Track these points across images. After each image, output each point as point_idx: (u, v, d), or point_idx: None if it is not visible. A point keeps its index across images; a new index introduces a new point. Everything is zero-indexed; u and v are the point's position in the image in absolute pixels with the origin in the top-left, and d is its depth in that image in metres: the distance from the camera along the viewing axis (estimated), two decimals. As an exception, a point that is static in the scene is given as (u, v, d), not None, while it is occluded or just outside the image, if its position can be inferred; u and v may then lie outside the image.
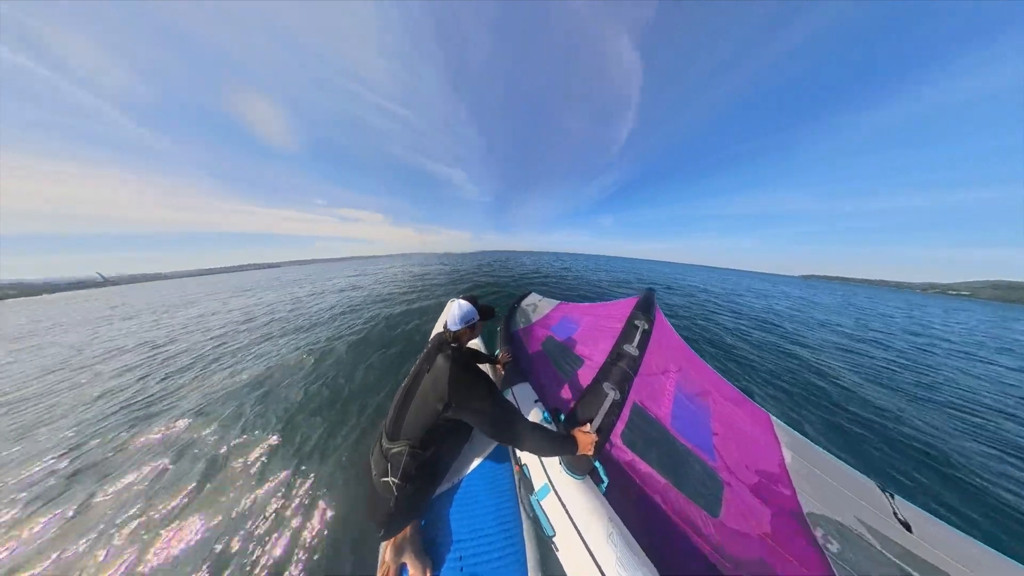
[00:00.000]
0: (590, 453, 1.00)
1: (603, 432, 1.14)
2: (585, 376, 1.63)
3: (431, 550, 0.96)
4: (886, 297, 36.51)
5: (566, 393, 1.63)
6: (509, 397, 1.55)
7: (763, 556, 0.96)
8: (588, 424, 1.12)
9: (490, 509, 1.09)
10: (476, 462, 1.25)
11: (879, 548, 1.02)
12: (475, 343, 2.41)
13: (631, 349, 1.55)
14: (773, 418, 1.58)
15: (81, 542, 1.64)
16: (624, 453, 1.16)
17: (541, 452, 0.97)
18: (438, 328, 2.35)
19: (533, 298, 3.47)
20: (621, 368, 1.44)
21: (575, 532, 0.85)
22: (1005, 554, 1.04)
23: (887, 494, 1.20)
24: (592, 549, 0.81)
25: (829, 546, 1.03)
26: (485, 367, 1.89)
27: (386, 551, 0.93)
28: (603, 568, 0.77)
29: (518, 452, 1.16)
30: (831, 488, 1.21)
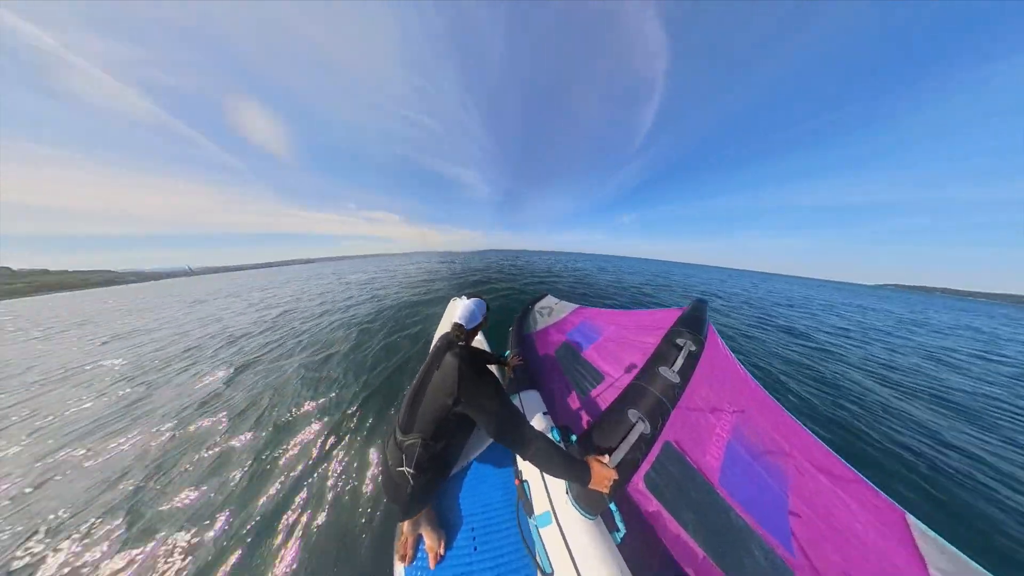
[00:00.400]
0: (605, 491, 0.85)
1: (624, 470, 0.92)
2: (604, 396, 1.45)
3: (445, 523, 1.04)
4: (995, 312, 27.01)
5: (579, 411, 1.47)
6: (516, 403, 1.44)
7: None
8: (607, 456, 0.92)
9: (498, 486, 1.15)
10: (486, 443, 1.29)
11: None
12: (480, 343, 2.35)
13: (669, 374, 1.21)
14: (912, 519, 1.01)
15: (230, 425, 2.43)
16: (648, 502, 0.96)
17: (546, 467, 0.85)
18: (443, 328, 2.40)
19: (549, 300, 3.24)
20: (654, 395, 1.15)
21: (575, 572, 0.75)
22: None
23: None
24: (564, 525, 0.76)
25: None
26: (492, 368, 1.85)
27: (404, 525, 1.01)
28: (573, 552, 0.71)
29: (519, 463, 1.11)
30: None
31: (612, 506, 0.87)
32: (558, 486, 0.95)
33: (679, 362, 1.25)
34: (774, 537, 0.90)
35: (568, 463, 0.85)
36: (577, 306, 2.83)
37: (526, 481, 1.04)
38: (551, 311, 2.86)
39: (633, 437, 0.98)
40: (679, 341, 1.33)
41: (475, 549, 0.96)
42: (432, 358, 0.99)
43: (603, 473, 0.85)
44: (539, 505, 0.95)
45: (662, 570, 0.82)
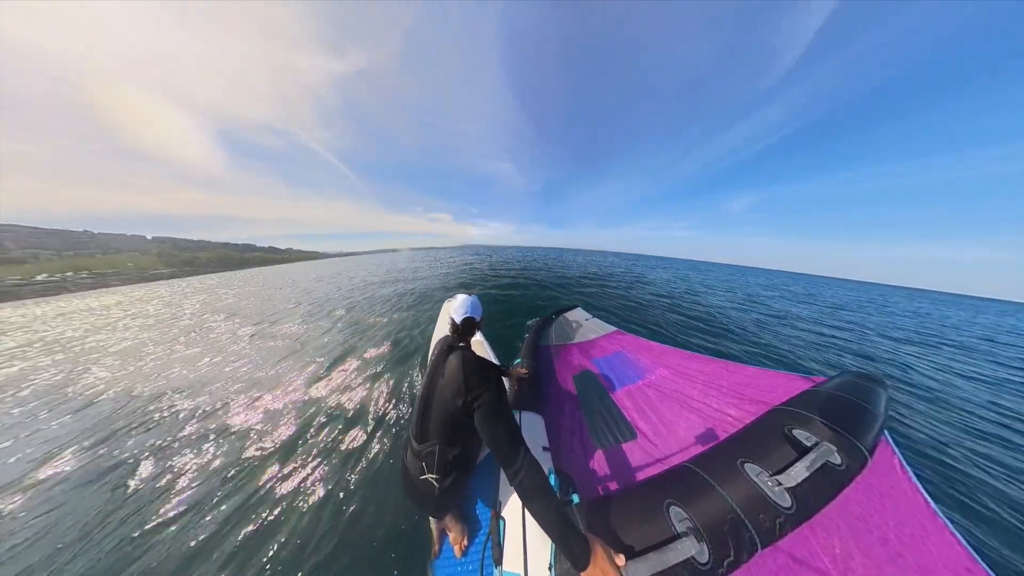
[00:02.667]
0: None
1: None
2: (634, 463, 1.08)
3: (467, 515, 1.01)
4: None
5: (588, 466, 1.12)
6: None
7: None
8: (622, 556, 0.63)
9: None
10: None
11: None
12: (480, 343, 2.03)
13: (771, 487, 0.74)
14: None
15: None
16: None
17: (532, 505, 0.65)
18: (440, 330, 2.22)
19: (578, 314, 2.77)
20: (728, 506, 0.73)
21: None
22: None
23: None
24: None
25: None
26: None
27: (433, 522, 1.03)
28: None
29: (502, 490, 0.92)
30: None
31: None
32: (539, 549, 0.73)
33: (797, 471, 0.74)
34: None
35: (564, 524, 0.62)
36: (615, 329, 2.33)
37: (503, 519, 0.84)
38: (579, 326, 2.44)
39: (672, 557, 0.65)
40: (799, 434, 0.83)
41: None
42: (435, 363, 0.91)
43: (606, 570, 0.59)
44: (510, 560, 0.74)
45: None
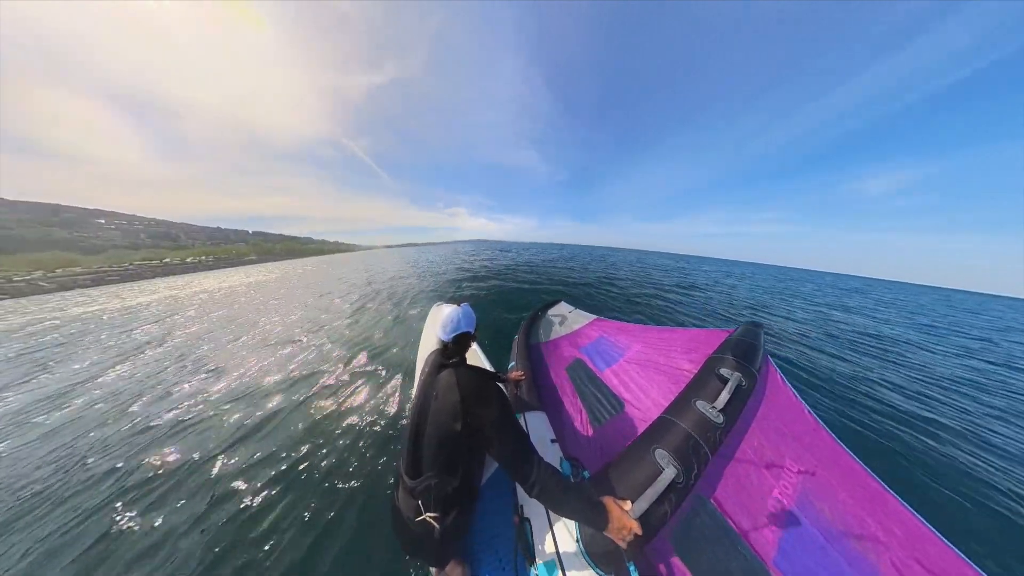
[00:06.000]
0: (623, 544, 0.70)
1: (649, 524, 0.79)
2: (624, 429, 1.26)
3: (470, 555, 0.92)
4: None
5: (592, 443, 1.30)
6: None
7: None
8: (628, 503, 0.77)
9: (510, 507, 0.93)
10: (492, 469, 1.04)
11: None
12: (475, 354, 1.93)
13: (709, 411, 1.03)
14: None
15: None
16: (668, 552, 0.82)
17: (554, 504, 0.72)
18: (425, 341, 2.04)
19: (562, 307, 2.91)
20: (688, 434, 0.98)
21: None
22: None
23: None
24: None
25: None
26: None
27: (434, 572, 0.90)
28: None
29: (519, 496, 0.93)
30: None
31: (631, 566, 0.71)
32: (566, 533, 0.81)
33: (723, 397, 1.05)
34: None
35: (582, 501, 0.71)
36: (595, 317, 2.50)
37: (527, 520, 0.87)
38: (564, 320, 2.59)
39: (661, 485, 0.83)
40: (723, 371, 1.15)
41: (503, 569, 0.84)
42: (425, 384, 0.82)
43: (623, 521, 0.70)
44: (541, 551, 0.80)
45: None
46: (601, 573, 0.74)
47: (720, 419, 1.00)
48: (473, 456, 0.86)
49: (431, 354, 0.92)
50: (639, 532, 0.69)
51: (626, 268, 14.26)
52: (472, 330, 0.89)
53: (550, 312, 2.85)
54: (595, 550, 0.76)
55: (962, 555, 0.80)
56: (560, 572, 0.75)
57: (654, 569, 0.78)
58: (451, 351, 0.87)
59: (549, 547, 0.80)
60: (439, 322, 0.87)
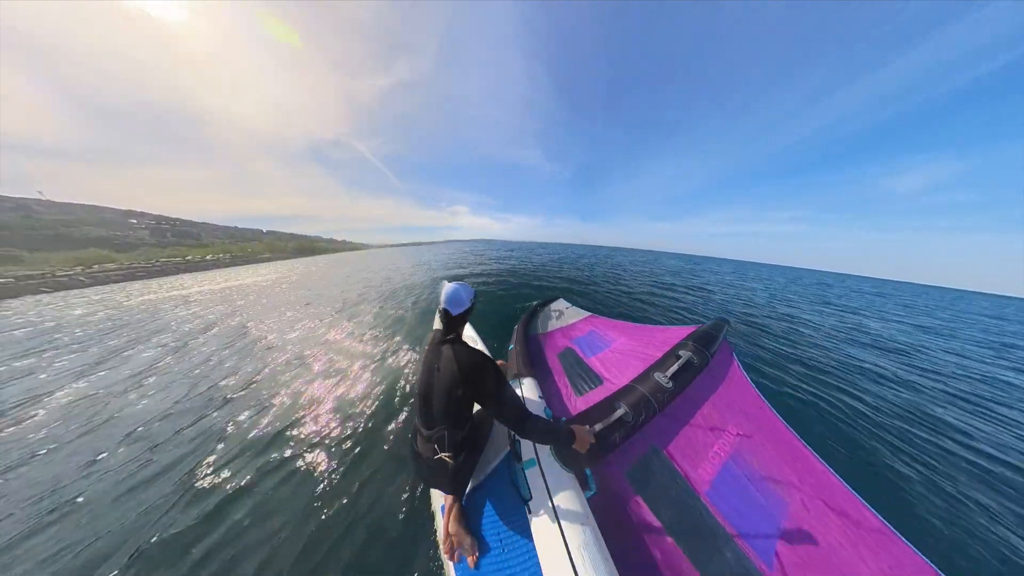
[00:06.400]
0: (583, 450, 1.00)
1: (601, 440, 1.10)
2: (602, 397, 1.45)
3: (475, 529, 1.04)
4: None
5: (572, 406, 1.55)
6: (515, 388, 1.52)
7: None
8: (588, 426, 1.08)
9: (509, 495, 1.08)
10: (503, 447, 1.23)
11: None
12: (473, 339, 2.22)
13: (661, 378, 1.37)
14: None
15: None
16: (626, 490, 1.06)
17: (540, 438, 0.98)
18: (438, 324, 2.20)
19: (560, 304, 3.22)
20: (641, 393, 1.30)
21: (549, 501, 0.90)
22: None
23: None
24: (562, 521, 0.84)
25: None
26: None
27: (447, 527, 1.04)
28: (568, 542, 0.77)
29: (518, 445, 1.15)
30: None
31: (588, 472, 1.00)
32: (545, 446, 1.08)
33: (673, 368, 1.39)
34: (753, 549, 0.90)
35: (556, 433, 0.97)
36: (589, 314, 2.80)
37: (518, 441, 1.14)
38: (561, 315, 2.89)
39: (612, 419, 1.14)
40: (681, 352, 1.51)
41: (503, 549, 0.94)
42: (429, 357, 1.01)
43: (584, 437, 0.99)
44: (526, 454, 1.08)
45: (628, 537, 0.90)
46: (567, 469, 1.00)
47: (669, 384, 1.31)
48: (478, 415, 1.08)
49: (433, 332, 1.11)
50: (594, 442, 1.00)
51: (633, 269, 14.32)
52: (463, 308, 1.02)
53: (548, 307, 3.12)
54: (562, 456, 1.03)
55: (859, 496, 1.04)
56: (538, 466, 1.01)
57: (609, 488, 1.02)
58: (450, 327, 1.01)
59: (530, 452, 1.08)
60: (444, 296, 1.00)
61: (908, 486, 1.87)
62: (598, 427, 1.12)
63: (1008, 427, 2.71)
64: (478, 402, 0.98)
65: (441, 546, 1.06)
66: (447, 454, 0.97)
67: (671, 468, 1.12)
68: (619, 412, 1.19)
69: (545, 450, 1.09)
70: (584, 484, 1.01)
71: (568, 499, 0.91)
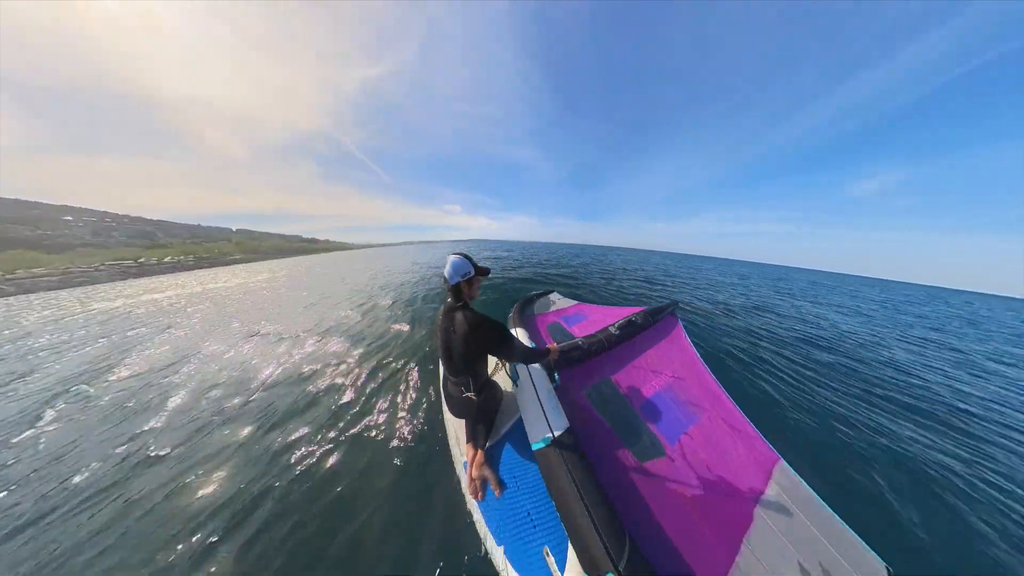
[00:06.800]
0: (553, 357, 1.60)
1: (563, 354, 1.75)
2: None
3: (495, 467, 1.36)
4: None
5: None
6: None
7: (659, 508, 1.06)
8: (556, 345, 1.70)
9: (523, 448, 1.39)
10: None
11: None
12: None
13: (612, 328, 2.04)
14: (784, 464, 1.31)
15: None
16: (585, 402, 1.56)
17: (532, 361, 1.48)
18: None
19: (555, 296, 3.77)
20: (597, 337, 1.94)
21: (531, 381, 1.49)
22: None
23: (889, 570, 0.98)
24: (536, 385, 1.45)
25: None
26: None
27: (471, 470, 1.33)
28: (539, 393, 1.38)
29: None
30: (806, 532, 1.01)
31: (555, 373, 1.56)
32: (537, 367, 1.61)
33: (621, 323, 2.09)
34: (662, 434, 1.44)
35: (541, 352, 1.46)
36: (577, 302, 3.42)
37: (517, 386, 1.55)
38: (554, 304, 3.39)
39: (571, 344, 1.81)
40: (633, 317, 2.18)
41: (517, 487, 1.25)
42: (444, 324, 1.25)
43: (554, 349, 1.60)
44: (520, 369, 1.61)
45: (584, 428, 1.35)
46: (542, 368, 1.58)
47: (617, 332, 2.04)
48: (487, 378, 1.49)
49: (445, 302, 1.30)
50: (556, 352, 1.61)
51: (629, 268, 15.59)
52: (460, 278, 1.22)
53: (544, 297, 3.61)
54: (542, 363, 1.57)
55: (747, 418, 1.66)
56: (527, 368, 1.58)
57: (569, 399, 1.53)
58: (458, 295, 1.25)
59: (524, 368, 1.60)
60: (447, 271, 1.22)
61: (772, 400, 2.68)
62: (562, 346, 1.81)
63: (865, 364, 3.97)
64: (491, 352, 1.28)
65: (467, 490, 1.35)
66: (471, 394, 1.32)
67: (615, 390, 1.72)
68: (576, 341, 1.90)
69: (536, 367, 1.62)
70: (551, 378, 1.56)
71: (541, 378, 1.54)
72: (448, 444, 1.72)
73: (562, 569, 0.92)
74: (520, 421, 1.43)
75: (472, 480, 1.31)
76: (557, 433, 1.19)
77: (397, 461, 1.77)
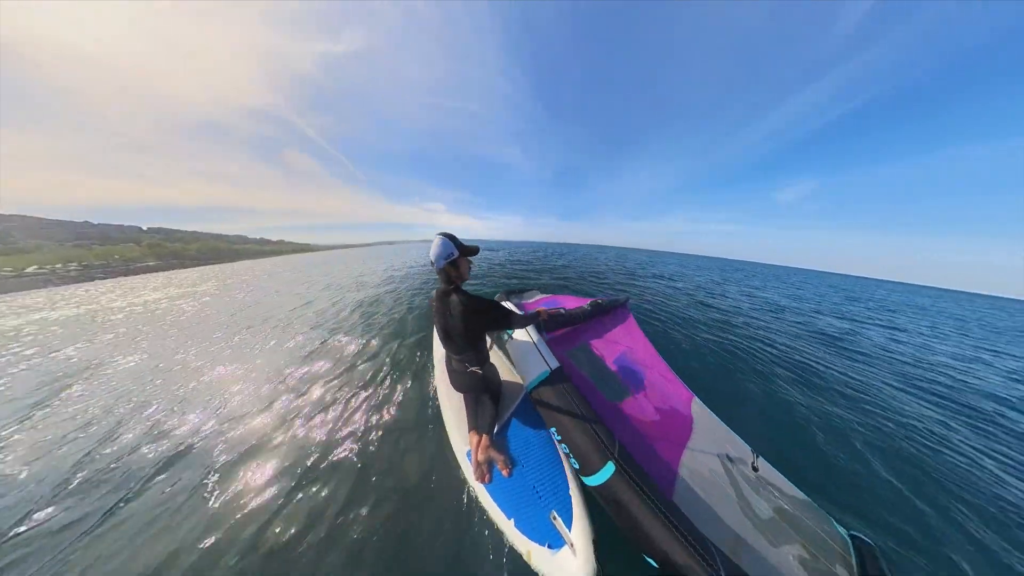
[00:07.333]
0: (543, 319, 1.81)
1: (551, 317, 1.99)
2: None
3: (503, 449, 1.41)
4: None
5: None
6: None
7: (634, 426, 1.47)
8: (542, 311, 1.90)
9: (528, 428, 1.54)
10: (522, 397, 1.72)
11: (725, 469, 1.37)
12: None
13: (587, 307, 2.50)
14: (696, 398, 1.97)
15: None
16: (568, 361, 1.79)
17: (523, 326, 1.58)
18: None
19: (533, 292, 4.25)
20: (572, 311, 2.34)
21: (525, 331, 1.72)
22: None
23: (755, 453, 1.53)
24: (532, 336, 1.68)
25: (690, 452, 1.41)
26: None
27: (478, 453, 1.34)
28: (532, 336, 1.66)
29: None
30: (714, 434, 1.64)
31: (544, 332, 1.83)
32: (532, 330, 1.76)
33: (590, 303, 2.55)
34: (628, 382, 1.84)
35: (532, 317, 1.61)
36: (552, 295, 4.04)
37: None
38: (533, 296, 3.95)
39: (555, 308, 2.14)
40: (599, 300, 2.69)
41: (521, 465, 1.35)
42: (439, 308, 1.26)
43: (543, 313, 1.81)
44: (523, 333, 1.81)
45: (569, 375, 1.53)
46: (540, 330, 1.78)
47: (589, 309, 2.45)
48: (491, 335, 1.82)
49: (438, 289, 1.30)
50: (545, 315, 1.83)
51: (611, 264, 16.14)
52: (444, 259, 1.17)
53: (525, 293, 4.02)
54: (538, 328, 1.78)
55: (672, 370, 2.23)
56: (528, 332, 1.74)
57: (564, 359, 1.66)
58: (448, 278, 1.23)
59: (524, 333, 1.76)
60: (432, 251, 1.17)
61: (682, 351, 3.74)
62: (549, 311, 1.99)
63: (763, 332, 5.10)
64: (491, 328, 1.38)
65: (472, 477, 1.34)
66: (476, 368, 1.35)
67: (591, 352, 2.04)
68: (561, 309, 2.19)
69: (531, 329, 1.75)
70: (542, 334, 1.77)
71: (533, 333, 1.70)
72: (448, 444, 1.73)
73: (569, 527, 1.09)
74: (518, 407, 1.67)
75: (479, 465, 1.34)
76: (553, 367, 1.50)
77: (396, 458, 1.77)
